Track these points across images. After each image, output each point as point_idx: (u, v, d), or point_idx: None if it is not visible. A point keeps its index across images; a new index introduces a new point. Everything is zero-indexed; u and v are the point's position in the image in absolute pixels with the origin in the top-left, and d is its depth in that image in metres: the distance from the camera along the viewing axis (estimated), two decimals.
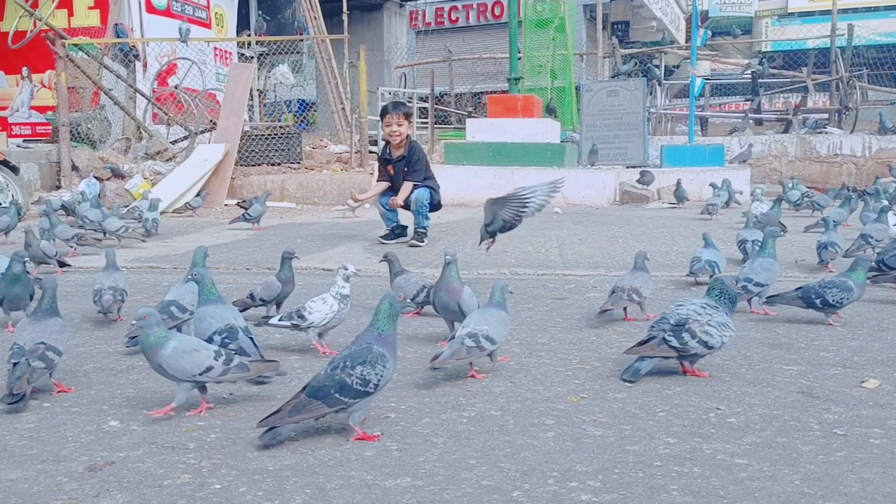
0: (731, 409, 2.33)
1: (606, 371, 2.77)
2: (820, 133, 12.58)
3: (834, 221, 5.86)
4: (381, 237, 6.54)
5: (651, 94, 12.72)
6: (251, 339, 2.75)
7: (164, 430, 2.21)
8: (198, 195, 9.13)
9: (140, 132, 11.73)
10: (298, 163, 10.99)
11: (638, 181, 10.24)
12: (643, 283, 3.68)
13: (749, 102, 13.69)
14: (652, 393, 2.50)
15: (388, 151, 6.54)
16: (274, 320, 3.10)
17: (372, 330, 2.19)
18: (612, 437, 2.11)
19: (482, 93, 16.15)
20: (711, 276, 4.27)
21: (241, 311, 3.66)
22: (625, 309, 3.68)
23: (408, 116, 6.49)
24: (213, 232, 7.52)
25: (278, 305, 3.65)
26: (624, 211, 9.31)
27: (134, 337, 3.03)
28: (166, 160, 10.72)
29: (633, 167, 11.45)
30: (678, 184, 9.55)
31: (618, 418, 2.25)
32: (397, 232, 6.58)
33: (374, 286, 4.72)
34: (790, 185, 9.03)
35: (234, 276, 5.07)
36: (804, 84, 13.89)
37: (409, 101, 12.45)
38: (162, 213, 7.75)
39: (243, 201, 8.87)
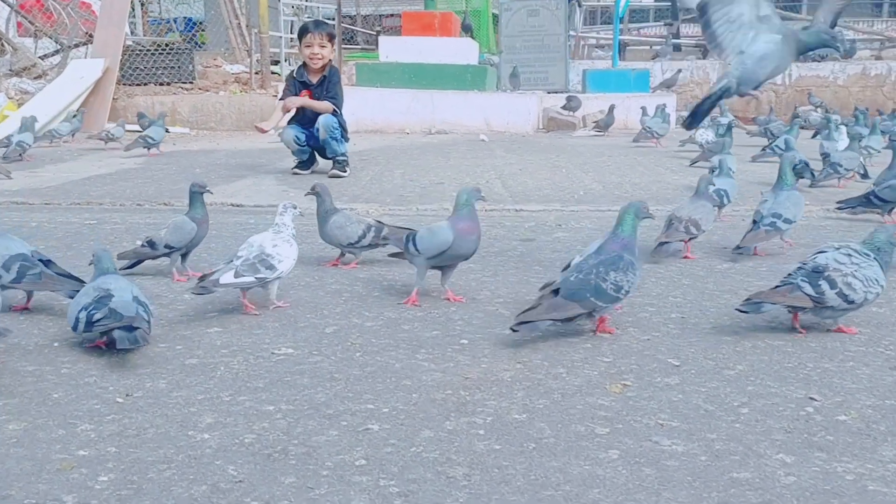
0: (828, 398, 1.73)
1: (636, 340, 2.13)
2: None
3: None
4: (294, 168, 5.68)
5: (569, 16, 12.01)
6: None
7: None
8: (66, 119, 7.86)
9: (2, 45, 10.20)
10: (191, 83, 9.80)
11: (564, 107, 9.63)
12: (704, 214, 3.10)
13: (668, 27, 13.23)
14: (710, 374, 1.88)
15: (303, 74, 5.62)
16: (227, 278, 2.29)
17: (616, 238, 2.23)
18: (703, 455, 1.46)
19: (389, 15, 15.07)
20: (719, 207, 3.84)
21: (133, 265, 2.84)
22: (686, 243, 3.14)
23: (331, 38, 5.61)
24: (94, 159, 6.44)
25: (184, 256, 2.83)
26: (552, 139, 8.69)
27: None
28: (34, 77, 9.34)
29: (555, 92, 10.84)
30: (610, 109, 8.99)
31: (691, 420, 1.61)
32: (311, 161, 5.73)
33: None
34: (719, 113, 8.62)
35: (122, 214, 4.15)
36: None
37: (315, 18, 11.33)
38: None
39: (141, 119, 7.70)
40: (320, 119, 5.46)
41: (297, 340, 2.11)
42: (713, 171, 4.73)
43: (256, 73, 10.11)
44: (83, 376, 1.85)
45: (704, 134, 6.61)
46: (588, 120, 9.78)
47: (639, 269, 2.21)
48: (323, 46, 5.48)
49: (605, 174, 5.72)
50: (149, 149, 6.56)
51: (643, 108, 9.32)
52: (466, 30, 10.91)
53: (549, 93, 10.65)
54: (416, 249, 2.45)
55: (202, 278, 2.36)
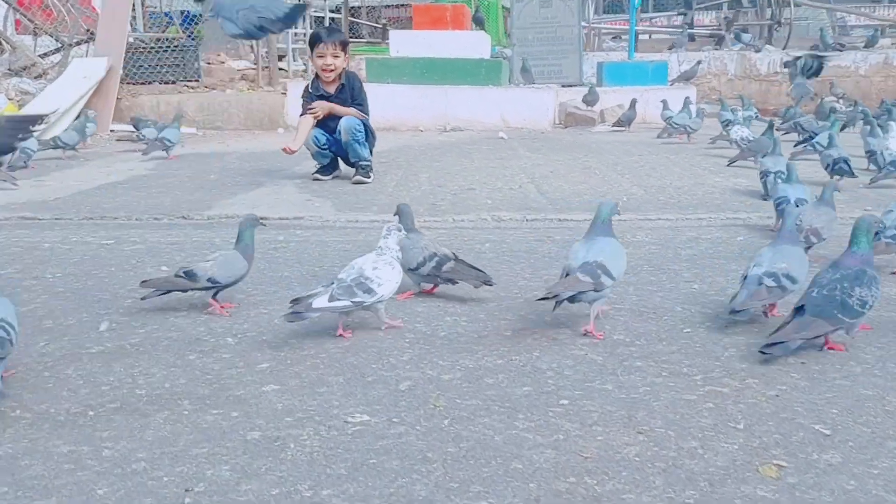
0: None
1: (762, 396, 1.84)
2: (757, 50, 11.94)
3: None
4: (314, 173, 5.37)
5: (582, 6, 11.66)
6: None
7: None
8: (72, 128, 7.51)
9: (0, 44, 9.86)
10: (197, 80, 9.47)
11: (583, 100, 9.31)
12: (826, 222, 2.89)
13: (682, 17, 12.90)
14: (873, 447, 1.59)
15: (319, 87, 5.28)
16: (321, 302, 2.16)
17: (853, 253, 2.19)
18: None
19: (394, 5, 14.71)
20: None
21: (161, 294, 2.55)
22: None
23: (344, 46, 5.22)
24: (102, 165, 6.13)
25: (217, 291, 2.53)
26: (573, 135, 8.39)
27: None
28: (35, 77, 9.00)
29: (569, 86, 10.51)
30: (632, 104, 8.67)
31: None
32: (332, 167, 5.43)
33: (325, 241, 3.62)
34: (741, 106, 8.35)
35: (140, 231, 3.84)
36: None
37: (322, 13, 11.00)
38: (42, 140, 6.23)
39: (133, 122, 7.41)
40: (342, 121, 5.15)
41: (369, 401, 1.82)
42: (767, 175, 4.47)
43: (264, 68, 9.78)
44: (129, 460, 1.55)
45: (739, 131, 6.30)
46: (606, 114, 9.47)
47: (880, 284, 2.20)
48: (336, 56, 5.14)
49: (642, 176, 5.42)
50: (167, 151, 6.27)
51: (664, 102, 9.00)
52: (478, 22, 10.59)
53: (563, 86, 10.32)
54: (611, 277, 2.26)
55: (294, 302, 2.17)
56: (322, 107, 5.17)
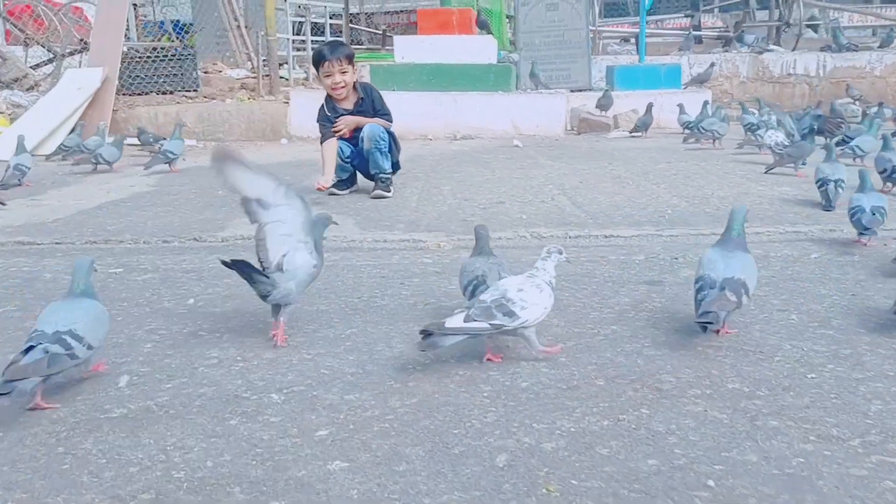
0: None
1: None
2: (768, 51, 11.66)
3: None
4: (332, 187, 5.02)
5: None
6: None
7: None
8: (72, 130, 7.21)
9: None
10: (195, 90, 9.11)
11: (597, 105, 9.00)
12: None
13: (689, 19, 12.61)
14: None
15: (334, 107, 4.91)
16: (455, 321, 1.98)
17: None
18: None
19: (393, 11, 14.38)
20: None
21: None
22: None
23: (350, 59, 4.85)
24: (100, 181, 5.76)
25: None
26: (590, 141, 8.06)
27: None
28: (27, 89, 8.64)
29: (578, 90, 10.20)
30: (648, 108, 8.36)
31: None
32: (350, 181, 5.09)
33: (356, 265, 3.28)
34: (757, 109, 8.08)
35: (150, 257, 3.49)
36: None
37: (322, 19, 10.66)
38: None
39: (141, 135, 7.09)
40: (366, 127, 4.82)
41: (464, 483, 1.47)
42: (827, 184, 4.14)
43: (265, 77, 9.43)
44: None
45: (773, 136, 5.98)
46: (620, 119, 9.16)
47: None
48: (344, 72, 4.78)
49: (679, 186, 5.09)
50: (171, 164, 5.94)
51: (681, 106, 8.71)
52: (482, 27, 10.26)
53: (572, 91, 10.00)
54: (749, 297, 2.14)
55: (425, 333, 1.96)
56: (347, 123, 4.84)
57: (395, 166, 5.01)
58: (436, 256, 3.41)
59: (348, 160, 4.94)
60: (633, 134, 8.55)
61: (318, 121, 4.93)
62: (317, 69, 4.85)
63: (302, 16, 10.09)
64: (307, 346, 2.28)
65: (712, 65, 10.11)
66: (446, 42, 9.31)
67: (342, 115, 4.87)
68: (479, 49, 9.46)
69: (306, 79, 10.37)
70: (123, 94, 8.57)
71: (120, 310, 2.67)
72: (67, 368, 1.86)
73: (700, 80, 9.99)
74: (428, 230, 3.93)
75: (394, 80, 9.00)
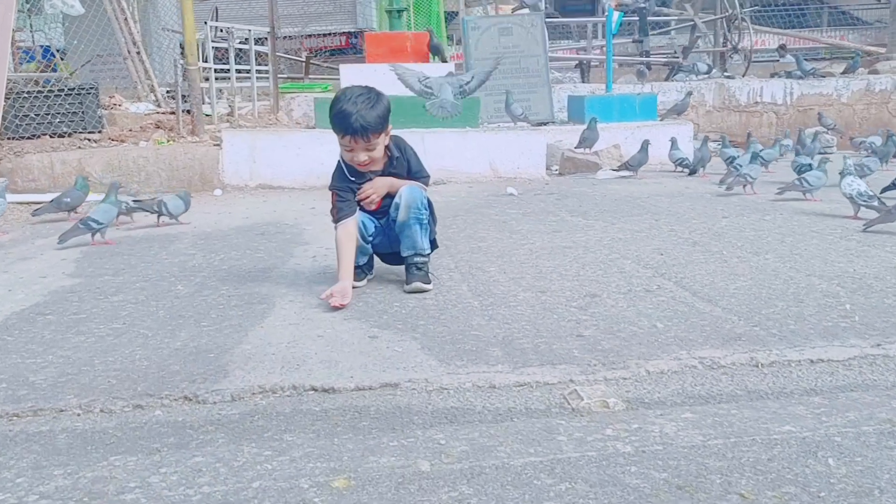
0: None
1: None
2: (729, 78, 10.96)
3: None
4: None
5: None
6: None
7: None
8: None
9: None
10: (99, 132, 7.43)
11: (580, 145, 7.89)
12: None
13: (639, 45, 11.78)
14: None
15: (355, 170, 3.45)
16: None
17: None
18: None
19: (317, 34, 12.91)
20: None
21: None
22: None
23: (380, 132, 3.33)
24: None
25: None
26: (589, 185, 6.91)
27: None
28: None
29: (541, 124, 9.11)
30: (644, 146, 7.32)
31: None
32: (367, 266, 3.68)
33: (481, 466, 1.89)
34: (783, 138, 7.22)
35: (130, 460, 2.01)
36: (692, 23, 12.20)
37: (246, 45, 9.10)
38: None
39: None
40: (404, 193, 3.45)
41: None
42: None
43: (185, 112, 7.83)
44: None
45: (853, 184, 4.97)
46: (602, 157, 8.09)
47: None
48: (371, 149, 3.34)
49: (798, 259, 3.93)
50: (96, 236, 4.40)
51: (673, 140, 7.77)
52: (435, 52, 9.02)
53: (534, 125, 8.88)
54: None
55: None
56: (377, 188, 3.45)
57: (433, 245, 3.65)
58: (621, 432, 2.08)
59: (371, 237, 3.55)
60: (623, 173, 7.50)
61: (332, 187, 3.48)
62: (339, 135, 3.38)
63: (224, 38, 8.54)
64: None
65: (689, 94, 9.22)
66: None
67: (368, 178, 3.47)
68: None
69: (230, 114, 8.81)
70: (8, 139, 6.81)
71: None
72: None
73: (678, 111, 9.08)
74: (543, 359, 2.60)
75: None
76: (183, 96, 7.82)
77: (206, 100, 8.32)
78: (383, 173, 3.50)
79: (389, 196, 3.52)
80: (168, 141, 7.43)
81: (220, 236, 4.91)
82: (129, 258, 4.32)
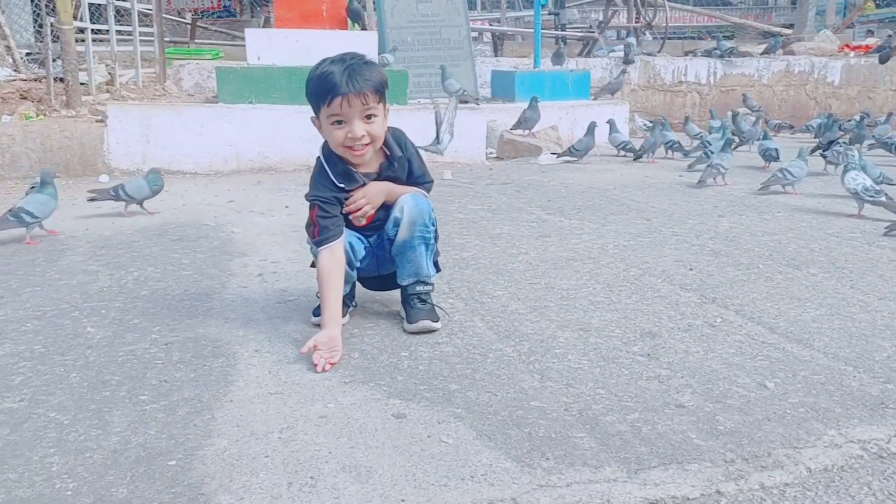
0: None
1: None
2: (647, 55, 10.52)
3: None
4: (317, 310, 2.71)
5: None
6: None
7: None
8: None
9: None
10: None
11: (519, 126, 7.18)
12: None
13: (554, 17, 11.16)
14: None
15: (348, 170, 2.54)
16: None
17: None
18: None
19: None
20: None
21: None
22: None
23: (381, 93, 2.46)
24: None
25: None
26: (538, 173, 6.20)
27: None
28: None
29: (464, 102, 8.32)
30: (590, 129, 6.69)
31: None
32: (350, 295, 2.79)
33: None
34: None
35: None
36: None
37: (127, 2, 7.79)
38: None
39: None
40: (406, 201, 2.59)
41: None
42: None
43: (57, 81, 6.54)
44: None
45: (858, 178, 4.48)
46: (540, 138, 7.43)
47: None
48: (371, 117, 2.45)
49: (845, 273, 3.37)
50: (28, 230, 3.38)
51: (611, 123, 7.22)
52: (355, 17, 8.04)
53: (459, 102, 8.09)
54: None
55: None
56: (371, 196, 2.57)
57: (436, 267, 2.81)
58: None
59: (361, 261, 2.67)
60: (564, 159, 6.85)
61: (311, 197, 2.55)
62: (317, 107, 2.48)
63: None
64: None
65: (623, 72, 8.68)
66: (315, 38, 6.99)
67: (361, 183, 2.58)
68: (359, 49, 7.21)
69: (110, 83, 7.52)
70: None
71: None
72: None
73: (611, 90, 8.52)
74: (659, 453, 1.85)
75: (252, 90, 6.58)
76: (53, 60, 6.53)
77: (82, 66, 7.02)
78: (379, 177, 2.62)
79: (384, 207, 2.65)
80: (38, 115, 6.15)
81: (125, 243, 3.86)
82: (8, 278, 3.24)
